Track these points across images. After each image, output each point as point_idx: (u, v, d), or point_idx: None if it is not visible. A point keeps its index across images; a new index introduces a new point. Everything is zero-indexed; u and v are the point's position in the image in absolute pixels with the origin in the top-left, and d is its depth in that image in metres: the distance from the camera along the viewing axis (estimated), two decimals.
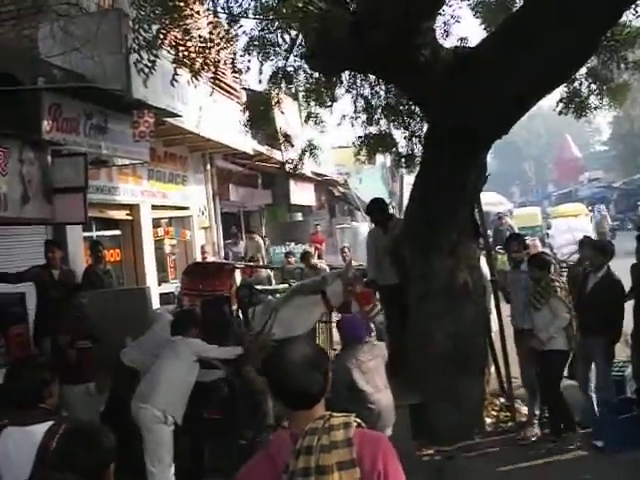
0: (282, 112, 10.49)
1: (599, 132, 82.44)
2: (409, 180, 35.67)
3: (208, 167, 17.08)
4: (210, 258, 15.97)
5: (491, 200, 26.72)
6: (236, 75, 10.51)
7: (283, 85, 10.49)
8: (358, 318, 6.60)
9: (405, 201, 31.62)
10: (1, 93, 7.41)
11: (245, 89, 16.43)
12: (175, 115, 10.92)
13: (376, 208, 8.79)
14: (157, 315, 9.27)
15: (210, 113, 13.40)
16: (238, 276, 12.29)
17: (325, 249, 21.29)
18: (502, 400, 8.47)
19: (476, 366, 7.88)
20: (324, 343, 10.42)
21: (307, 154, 10.75)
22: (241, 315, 8.10)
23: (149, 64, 7.41)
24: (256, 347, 7.06)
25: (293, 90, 10.99)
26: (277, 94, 10.41)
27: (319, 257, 16.86)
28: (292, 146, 10.77)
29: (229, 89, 15.91)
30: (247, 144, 16.82)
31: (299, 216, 23.97)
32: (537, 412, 7.71)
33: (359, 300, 7.47)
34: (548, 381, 7.30)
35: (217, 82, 14.88)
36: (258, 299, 8.21)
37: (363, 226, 23.73)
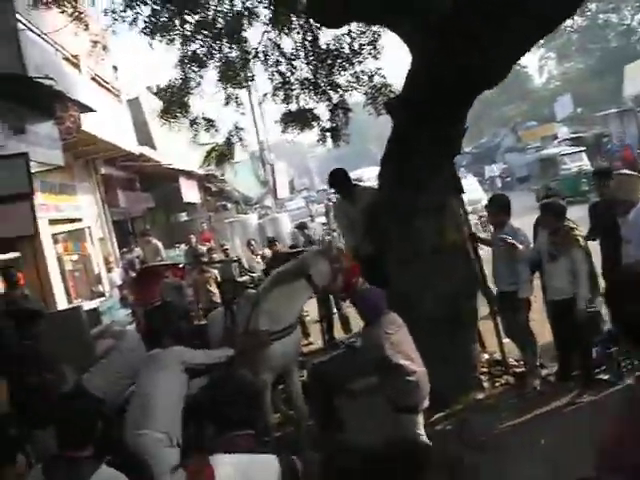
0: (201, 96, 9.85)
1: None
2: (280, 167, 35.89)
3: (93, 174, 15.95)
4: (115, 269, 15.01)
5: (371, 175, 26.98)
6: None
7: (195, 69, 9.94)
8: (375, 289, 6.14)
9: (278, 187, 31.83)
10: None
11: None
12: (90, 110, 9.93)
13: (340, 179, 8.35)
14: (118, 333, 8.41)
15: (96, 113, 12.45)
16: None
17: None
18: (487, 356, 8.35)
19: (469, 324, 7.68)
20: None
21: (235, 138, 10.14)
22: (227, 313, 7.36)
23: None
24: (250, 346, 6.48)
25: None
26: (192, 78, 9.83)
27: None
28: (216, 131, 10.14)
29: (110, 87, 14.98)
30: (132, 144, 16.00)
31: (183, 216, 23.08)
32: (538, 361, 7.61)
33: (346, 276, 6.98)
34: (567, 330, 7.17)
35: (98, 80, 14.02)
36: (243, 294, 7.49)
37: (252, 218, 23.23)
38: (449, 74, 5.93)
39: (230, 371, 6.79)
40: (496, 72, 6.18)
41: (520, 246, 7.14)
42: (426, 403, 5.77)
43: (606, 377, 7.27)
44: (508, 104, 62.34)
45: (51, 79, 7.57)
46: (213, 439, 3.43)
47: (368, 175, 28.18)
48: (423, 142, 6.77)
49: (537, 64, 67.34)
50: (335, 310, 11.15)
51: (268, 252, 13.51)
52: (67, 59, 11.23)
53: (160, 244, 17.29)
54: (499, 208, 7.52)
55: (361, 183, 11.52)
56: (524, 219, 9.15)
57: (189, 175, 20.66)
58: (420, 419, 5.74)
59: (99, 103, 13.08)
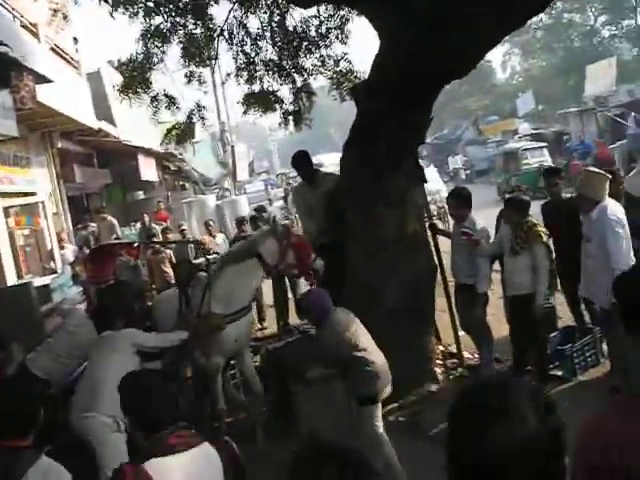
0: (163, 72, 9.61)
1: None
2: (240, 149, 35.47)
3: (49, 147, 15.52)
4: (68, 245, 14.67)
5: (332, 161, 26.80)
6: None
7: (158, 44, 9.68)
8: (318, 290, 6.07)
9: (238, 170, 31.52)
10: None
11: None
12: (47, 80, 9.59)
13: (303, 161, 8.21)
14: (66, 311, 8.18)
15: (55, 84, 12.07)
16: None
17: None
18: (442, 348, 8.33)
19: (427, 315, 7.65)
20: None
21: (196, 117, 9.92)
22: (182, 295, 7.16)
23: None
24: (205, 330, 6.34)
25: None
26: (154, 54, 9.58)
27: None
28: (177, 108, 9.91)
29: (70, 59, 14.58)
30: (91, 119, 15.63)
31: (140, 194, 22.69)
32: (493, 355, 7.59)
33: (296, 250, 6.84)
34: (524, 325, 7.14)
35: (58, 51, 13.63)
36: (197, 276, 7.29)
37: (210, 199, 22.93)
38: (418, 62, 5.84)
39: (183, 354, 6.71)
40: (466, 62, 6.10)
41: (483, 242, 7.12)
42: (387, 391, 5.69)
43: (560, 373, 7.32)
44: (470, 97, 62.69)
45: (5, 45, 7.22)
46: (142, 442, 3.13)
47: (329, 161, 28.02)
48: (388, 129, 6.67)
49: (501, 59, 67.98)
50: (290, 295, 11.05)
51: (208, 239, 13.19)
52: (25, 27, 10.86)
53: (115, 221, 17.01)
54: (460, 201, 7.46)
55: (322, 169, 11.41)
56: (485, 212, 9.14)
57: (148, 153, 20.32)
58: (378, 410, 5.65)
59: (58, 75, 12.71)
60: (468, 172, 42.46)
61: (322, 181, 8.08)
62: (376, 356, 5.60)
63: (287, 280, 10.93)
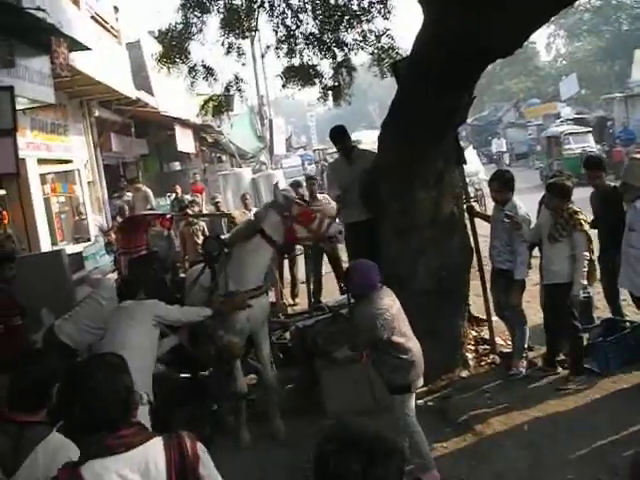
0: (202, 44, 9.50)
1: None
2: (278, 123, 35.38)
3: (87, 115, 15.55)
4: (96, 217, 14.76)
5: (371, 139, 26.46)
6: None
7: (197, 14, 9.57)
8: (368, 262, 5.74)
9: (275, 144, 31.41)
10: None
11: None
12: (85, 48, 9.53)
13: (341, 135, 8.08)
14: (95, 280, 8.18)
15: (94, 53, 12.02)
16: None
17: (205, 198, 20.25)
18: (474, 333, 8.17)
19: (460, 299, 7.49)
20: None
21: (233, 89, 9.81)
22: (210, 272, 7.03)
23: None
24: (229, 308, 6.20)
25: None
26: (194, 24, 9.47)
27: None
28: (215, 80, 9.80)
29: (110, 28, 14.53)
30: (129, 88, 15.61)
31: (177, 165, 22.69)
32: (527, 344, 7.40)
33: (301, 222, 6.43)
34: (559, 314, 6.95)
35: (98, 20, 13.60)
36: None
37: (246, 172, 22.83)
38: (462, 40, 5.61)
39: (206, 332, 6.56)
40: (511, 41, 5.88)
41: (524, 227, 6.90)
42: (420, 382, 5.52)
43: (593, 366, 7.06)
44: (512, 79, 61.63)
45: (43, 11, 7.12)
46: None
47: (368, 138, 27.64)
48: (428, 108, 6.46)
49: (545, 41, 66.66)
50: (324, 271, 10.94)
51: (239, 213, 13.01)
52: None
53: (150, 192, 17.01)
54: (503, 184, 7.21)
55: (360, 146, 11.23)
56: (525, 196, 8.92)
57: (185, 124, 20.29)
58: (411, 399, 5.46)
59: (97, 43, 12.68)
60: (508, 154, 41.86)
61: (358, 157, 7.96)
62: (413, 344, 5.41)
63: (325, 254, 10.83)
